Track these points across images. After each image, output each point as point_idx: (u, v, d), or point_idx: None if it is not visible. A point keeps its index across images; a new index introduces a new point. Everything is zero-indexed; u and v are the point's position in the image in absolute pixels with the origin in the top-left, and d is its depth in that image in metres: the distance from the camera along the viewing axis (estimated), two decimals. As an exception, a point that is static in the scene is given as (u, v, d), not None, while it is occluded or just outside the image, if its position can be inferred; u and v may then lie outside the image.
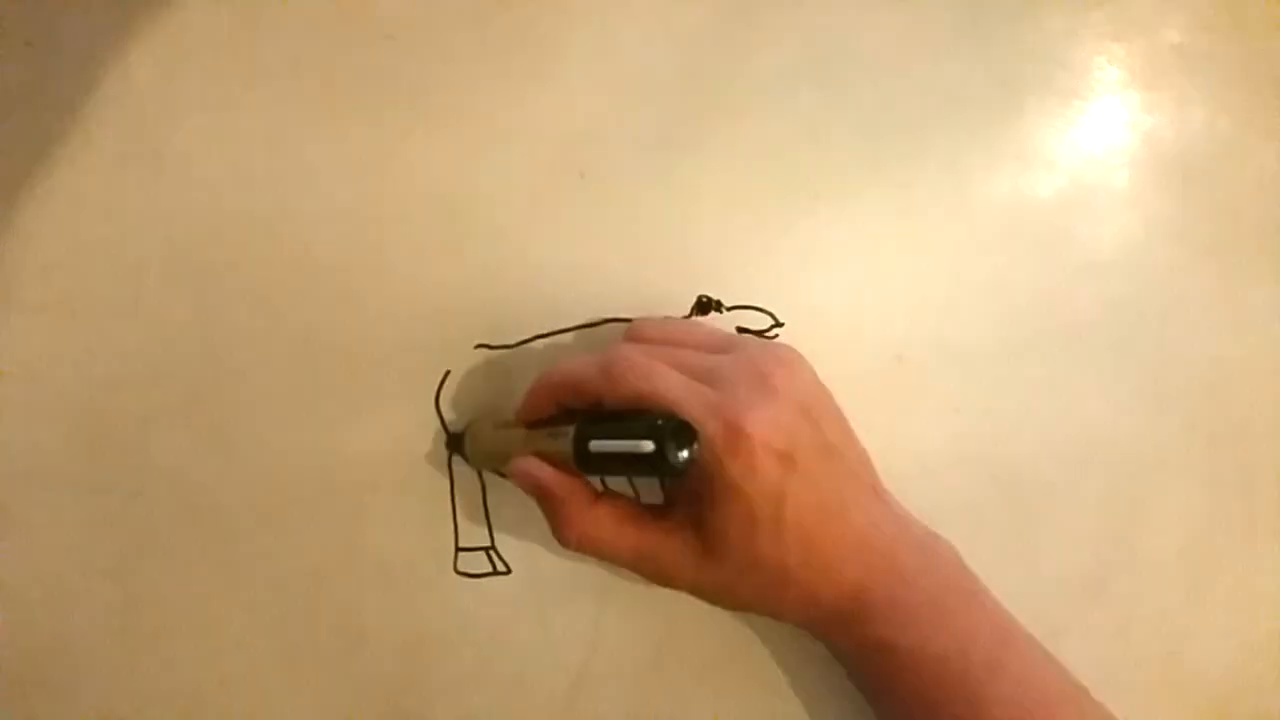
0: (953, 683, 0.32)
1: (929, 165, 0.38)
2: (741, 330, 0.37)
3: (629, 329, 0.35)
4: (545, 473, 0.32)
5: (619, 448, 0.29)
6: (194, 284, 0.36)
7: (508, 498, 0.38)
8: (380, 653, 0.38)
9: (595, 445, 0.30)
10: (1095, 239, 0.39)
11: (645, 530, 0.33)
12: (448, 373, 0.37)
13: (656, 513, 0.33)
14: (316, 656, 0.38)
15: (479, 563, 0.38)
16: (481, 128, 0.36)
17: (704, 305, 0.36)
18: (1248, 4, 0.39)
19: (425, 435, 0.37)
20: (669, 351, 0.33)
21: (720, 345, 0.34)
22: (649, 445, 0.28)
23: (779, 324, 0.36)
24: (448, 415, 0.37)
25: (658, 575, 0.33)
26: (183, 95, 0.35)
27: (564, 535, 0.33)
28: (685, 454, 0.29)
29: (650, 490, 0.36)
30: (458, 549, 0.38)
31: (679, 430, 0.29)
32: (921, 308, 0.38)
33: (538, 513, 0.38)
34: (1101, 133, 0.39)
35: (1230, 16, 0.39)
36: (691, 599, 0.38)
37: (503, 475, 0.37)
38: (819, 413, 0.32)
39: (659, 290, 0.37)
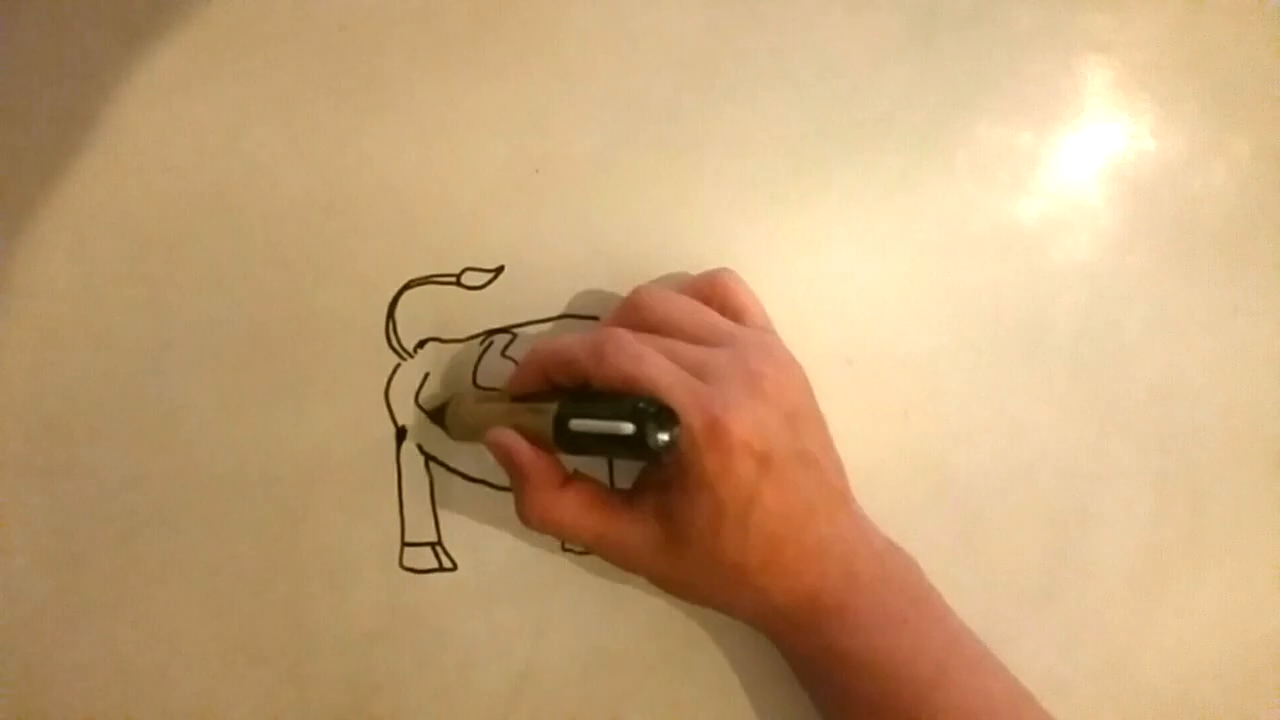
0: (900, 689, 0.32)
1: (881, 171, 0.38)
2: None
3: (628, 298, 0.35)
4: (518, 446, 0.32)
5: (599, 428, 0.29)
6: (142, 273, 0.36)
7: (455, 493, 0.38)
8: (324, 646, 0.37)
9: (575, 424, 0.30)
10: (1046, 249, 0.39)
11: (610, 516, 0.33)
12: (398, 365, 0.37)
13: (624, 498, 0.33)
14: (259, 649, 0.37)
15: (425, 558, 0.38)
16: (435, 120, 0.36)
17: None
18: (1200, 20, 0.40)
19: (374, 429, 0.37)
20: (663, 342, 0.32)
21: (719, 337, 0.33)
22: (629, 427, 0.28)
23: None
24: (396, 409, 0.37)
25: (616, 559, 0.33)
26: (135, 84, 0.35)
27: (526, 514, 0.33)
28: (665, 438, 0.29)
29: (628, 477, 0.36)
30: (404, 544, 0.38)
31: (660, 414, 0.29)
32: (872, 312, 0.38)
33: (485, 508, 0.38)
34: (1055, 145, 0.39)
35: (1183, 32, 0.40)
36: (637, 597, 0.38)
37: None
38: (802, 420, 0.32)
39: (611, 287, 0.38)
